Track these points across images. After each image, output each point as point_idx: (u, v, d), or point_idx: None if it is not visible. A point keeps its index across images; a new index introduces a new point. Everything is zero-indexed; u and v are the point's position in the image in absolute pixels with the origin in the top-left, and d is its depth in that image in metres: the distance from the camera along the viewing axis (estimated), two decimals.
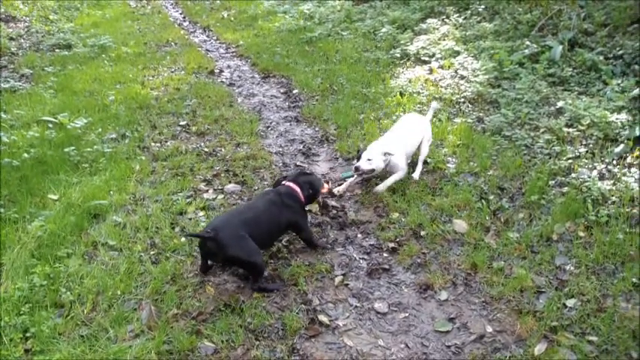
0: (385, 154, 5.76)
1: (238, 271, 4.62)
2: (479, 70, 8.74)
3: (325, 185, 5.32)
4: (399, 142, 5.99)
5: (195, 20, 16.44)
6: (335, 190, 5.94)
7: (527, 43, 9.04)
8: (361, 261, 4.89)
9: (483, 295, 4.39)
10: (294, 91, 9.38)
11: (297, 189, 4.95)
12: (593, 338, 3.87)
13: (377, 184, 5.96)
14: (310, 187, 5.04)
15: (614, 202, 5.30)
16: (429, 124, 6.57)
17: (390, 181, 5.90)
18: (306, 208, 5.16)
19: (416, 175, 6.16)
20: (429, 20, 11.45)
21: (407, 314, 4.25)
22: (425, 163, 6.36)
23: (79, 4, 17.23)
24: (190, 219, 5.44)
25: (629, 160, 5.91)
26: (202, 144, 7.22)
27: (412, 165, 6.26)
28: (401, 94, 8.44)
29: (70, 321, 4.04)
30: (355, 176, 5.93)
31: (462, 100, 8.10)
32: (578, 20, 9.07)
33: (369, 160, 5.68)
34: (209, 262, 4.61)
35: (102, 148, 6.80)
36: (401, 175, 5.96)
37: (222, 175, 6.35)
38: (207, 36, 14.54)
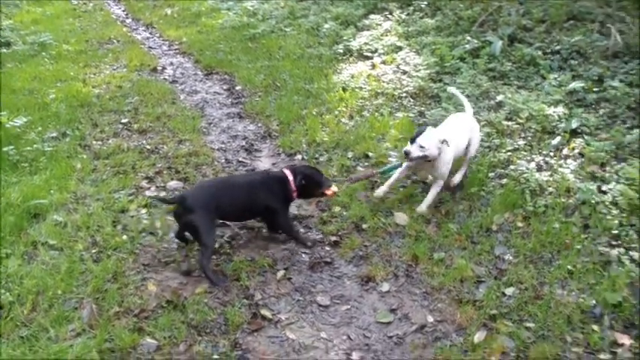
0: (443, 141, 5.20)
1: (180, 267, 4.61)
2: (420, 65, 8.81)
3: (333, 188, 5.15)
4: (450, 140, 5.35)
5: (138, 17, 16.16)
6: (375, 194, 5.58)
7: (468, 38, 9.15)
8: (303, 255, 4.89)
9: (424, 286, 4.45)
10: (237, 88, 9.31)
11: (290, 177, 4.96)
12: (531, 325, 3.97)
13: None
14: (305, 178, 4.98)
15: (551, 193, 5.43)
16: (477, 125, 5.96)
17: (429, 198, 5.41)
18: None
19: (457, 178, 5.71)
20: (372, 16, 11.48)
21: (349, 306, 4.27)
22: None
23: (18, 1, 16.78)
24: (132, 217, 5.35)
25: (565, 151, 6.06)
26: (144, 141, 7.10)
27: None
28: (343, 89, 8.44)
29: (9, 322, 3.92)
30: (399, 170, 5.62)
31: (404, 94, 8.14)
32: (518, 16, 9.26)
33: (421, 147, 5.14)
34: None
35: (42, 147, 6.61)
36: (439, 188, 5.45)
37: (165, 172, 6.26)
38: (150, 33, 14.29)
